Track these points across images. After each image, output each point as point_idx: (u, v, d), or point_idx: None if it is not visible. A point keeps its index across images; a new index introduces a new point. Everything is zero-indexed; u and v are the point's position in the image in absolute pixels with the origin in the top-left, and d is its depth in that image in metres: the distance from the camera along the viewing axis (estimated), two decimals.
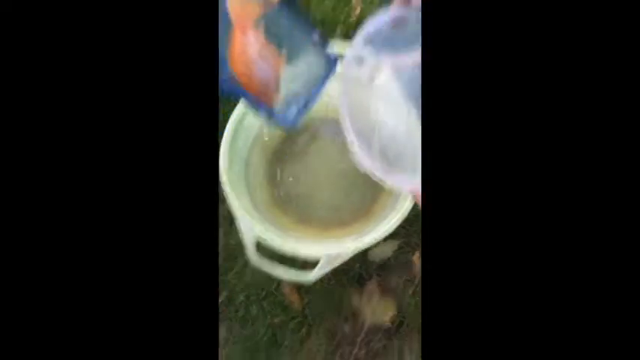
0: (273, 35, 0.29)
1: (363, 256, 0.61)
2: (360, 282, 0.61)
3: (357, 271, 0.61)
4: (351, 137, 0.30)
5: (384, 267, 0.61)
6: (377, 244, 0.61)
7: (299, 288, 0.61)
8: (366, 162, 0.30)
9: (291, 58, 0.30)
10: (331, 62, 0.32)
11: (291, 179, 0.61)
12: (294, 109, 0.31)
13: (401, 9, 0.31)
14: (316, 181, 0.61)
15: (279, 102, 0.30)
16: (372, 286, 0.60)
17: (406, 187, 0.30)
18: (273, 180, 0.60)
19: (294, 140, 0.61)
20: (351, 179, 0.60)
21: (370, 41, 0.31)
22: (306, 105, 0.31)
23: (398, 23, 0.31)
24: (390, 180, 0.30)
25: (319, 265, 0.48)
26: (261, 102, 0.29)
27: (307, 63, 0.31)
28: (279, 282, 0.61)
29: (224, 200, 0.50)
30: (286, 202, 0.60)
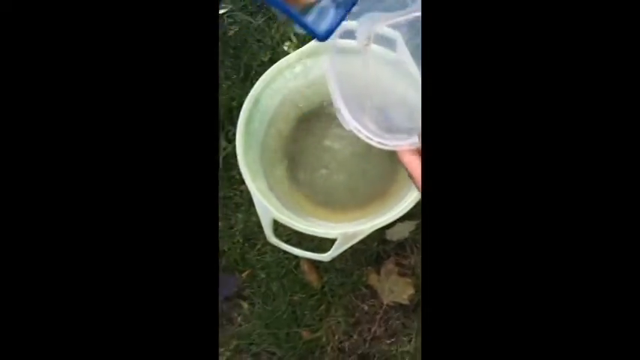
0: None
1: (381, 235, 0.62)
2: (378, 261, 0.61)
3: (374, 250, 0.61)
4: (338, 104, 0.29)
5: (402, 246, 0.62)
6: (394, 224, 0.62)
7: (317, 267, 0.62)
8: (351, 122, 0.29)
9: None
10: None
11: (308, 162, 0.61)
12: (330, 15, 0.24)
13: None
14: (333, 162, 0.61)
15: (311, 5, 0.24)
16: (390, 265, 0.61)
17: (390, 144, 0.29)
18: (290, 162, 0.61)
19: (311, 120, 0.61)
20: (368, 160, 0.59)
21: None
22: (345, 10, 0.24)
23: None
24: (377, 139, 0.29)
25: (336, 244, 0.49)
26: (288, 3, 0.22)
27: None
28: (298, 261, 0.63)
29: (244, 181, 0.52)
30: (303, 185, 0.61)
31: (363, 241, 0.61)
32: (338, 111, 0.29)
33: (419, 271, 0.60)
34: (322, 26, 0.24)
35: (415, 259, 0.61)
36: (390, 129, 0.31)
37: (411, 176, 0.28)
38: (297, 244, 0.60)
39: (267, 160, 0.57)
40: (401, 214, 0.49)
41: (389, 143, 0.29)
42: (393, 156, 0.33)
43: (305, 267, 0.62)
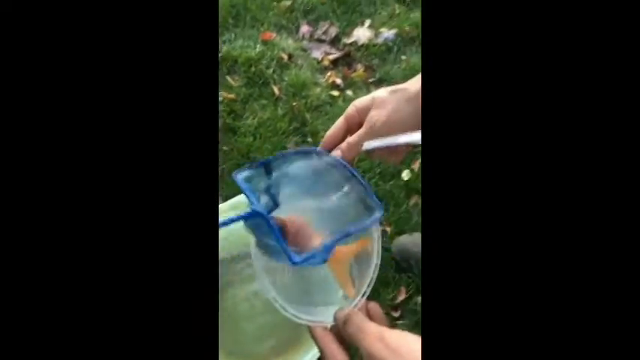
0: None
1: None
2: None
3: None
4: (259, 275, 0.33)
5: None
6: None
7: None
8: (270, 292, 0.32)
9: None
10: None
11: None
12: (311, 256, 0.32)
13: (322, 158, 0.37)
14: (245, 312, 0.62)
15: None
16: None
17: (303, 319, 0.32)
18: None
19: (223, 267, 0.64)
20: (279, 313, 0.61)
21: (289, 184, 0.36)
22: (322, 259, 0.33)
23: (317, 172, 0.37)
24: (292, 311, 0.33)
25: None
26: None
27: None
28: None
29: None
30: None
31: None
32: (258, 280, 0.33)
33: None
34: (298, 258, 0.31)
35: None
36: (308, 308, 0.34)
37: (321, 350, 0.29)
38: None
39: None
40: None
41: (302, 317, 0.32)
42: None
43: None
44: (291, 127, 0.90)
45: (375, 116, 0.35)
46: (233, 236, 0.62)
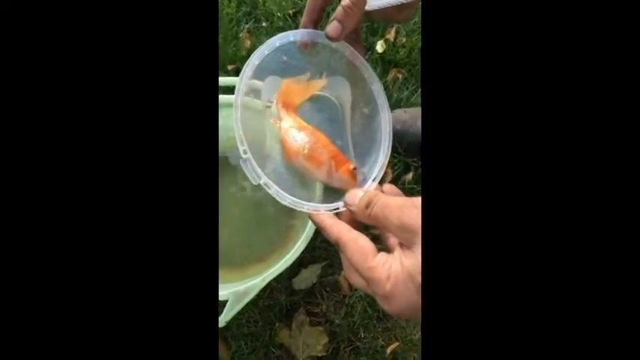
0: None
1: (288, 287, 0.58)
2: (289, 314, 0.57)
3: (283, 303, 0.57)
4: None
5: (311, 294, 0.59)
6: (300, 271, 0.59)
7: (225, 337, 0.56)
8: (262, 176, 0.28)
9: None
10: None
11: None
12: None
13: (310, 33, 0.31)
14: (229, 221, 0.58)
15: None
16: (301, 316, 0.57)
17: (305, 207, 0.29)
18: None
19: None
20: (262, 212, 0.57)
21: (262, 68, 0.30)
22: None
23: (306, 46, 0.31)
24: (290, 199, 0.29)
25: (227, 306, 0.45)
26: None
27: None
28: None
29: None
30: None
31: (270, 297, 0.57)
32: (245, 162, 0.28)
33: (331, 316, 0.57)
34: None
35: (326, 305, 0.58)
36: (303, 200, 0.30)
37: (336, 240, 0.25)
38: None
39: None
40: (293, 258, 0.47)
41: (306, 204, 0.28)
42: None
43: None
44: (240, 13, 0.77)
45: None
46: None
